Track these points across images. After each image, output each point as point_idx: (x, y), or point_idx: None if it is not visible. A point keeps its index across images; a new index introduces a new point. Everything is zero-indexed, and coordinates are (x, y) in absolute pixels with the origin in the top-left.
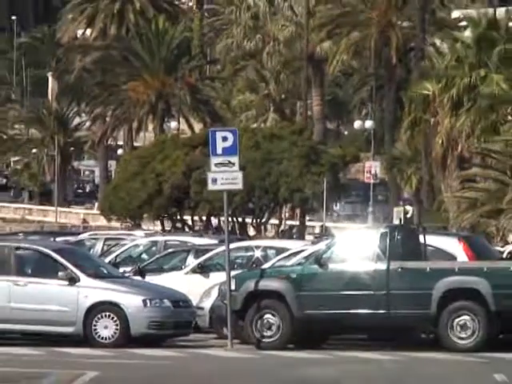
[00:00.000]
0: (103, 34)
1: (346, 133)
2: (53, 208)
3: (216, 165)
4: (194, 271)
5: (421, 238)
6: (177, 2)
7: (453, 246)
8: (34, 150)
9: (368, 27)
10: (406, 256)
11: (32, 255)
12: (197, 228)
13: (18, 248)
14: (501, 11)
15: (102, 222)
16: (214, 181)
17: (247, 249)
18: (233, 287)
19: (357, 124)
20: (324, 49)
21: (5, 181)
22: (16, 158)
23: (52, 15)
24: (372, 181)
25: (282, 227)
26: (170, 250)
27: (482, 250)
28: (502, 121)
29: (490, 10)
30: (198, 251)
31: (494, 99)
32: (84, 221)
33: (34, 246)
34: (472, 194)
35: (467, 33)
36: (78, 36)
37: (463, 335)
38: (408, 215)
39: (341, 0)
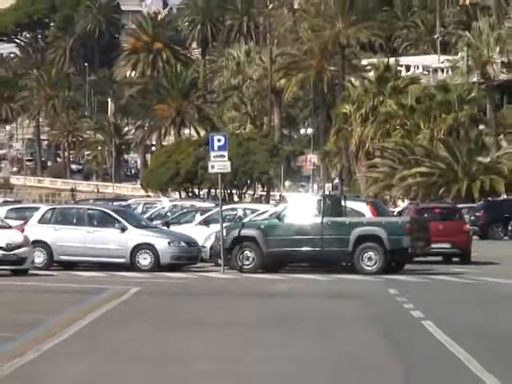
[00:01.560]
0: (142, 75)
1: (295, 136)
2: (111, 184)
3: (214, 157)
4: (199, 224)
5: (342, 202)
6: (189, 55)
7: (362, 207)
8: (99, 148)
9: (309, 70)
10: (334, 214)
11: (98, 213)
12: (201, 196)
13: (89, 209)
14: (392, 60)
15: (141, 192)
16: (213, 167)
17: (233, 209)
18: (224, 234)
19: (302, 131)
20: (281, 84)
21: (80, 167)
22: (88, 153)
23: (110, 62)
24: (312, 167)
25: (255, 196)
26: (184, 210)
27: (381, 210)
28: (393, 129)
29: (385, 59)
30: (202, 211)
31: (388, 115)
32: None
33: (99, 207)
34: (374, 175)
35: (371, 74)
36: (127, 75)
37: (369, 264)
38: (337, 189)
39: (291, 53)
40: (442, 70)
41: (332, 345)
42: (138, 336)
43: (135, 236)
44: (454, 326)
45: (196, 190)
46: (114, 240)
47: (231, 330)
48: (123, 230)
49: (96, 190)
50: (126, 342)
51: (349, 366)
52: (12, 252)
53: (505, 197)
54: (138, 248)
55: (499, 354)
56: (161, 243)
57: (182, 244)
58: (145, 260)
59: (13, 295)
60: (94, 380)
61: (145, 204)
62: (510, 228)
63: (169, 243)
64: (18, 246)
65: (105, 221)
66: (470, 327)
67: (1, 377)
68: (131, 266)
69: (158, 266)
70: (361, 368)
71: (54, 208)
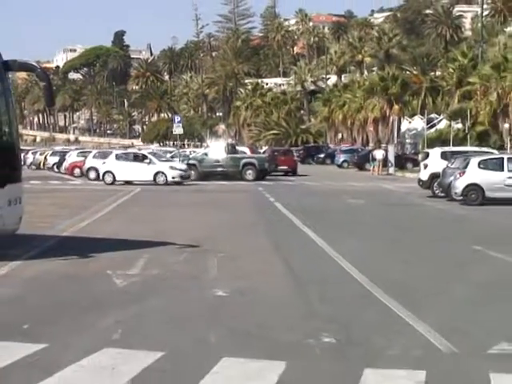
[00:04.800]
0: (141, 88)
1: (214, 116)
2: (127, 140)
3: (175, 126)
4: (169, 158)
5: (236, 147)
6: (163, 78)
7: (246, 150)
8: (120, 122)
9: (220, 85)
10: (232, 152)
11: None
12: (170, 145)
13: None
14: (259, 80)
15: (141, 144)
16: (175, 131)
17: (184, 151)
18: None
19: (218, 114)
20: (207, 91)
21: (111, 132)
22: (115, 125)
23: (126, 82)
24: (221, 131)
25: (194, 144)
26: (162, 151)
27: (255, 151)
28: (260, 113)
29: (256, 80)
30: (170, 152)
31: (258, 107)
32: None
33: (128, 151)
34: (251, 135)
35: (249, 87)
36: (133, 88)
37: (249, 176)
38: (233, 141)
39: (211, 77)
40: (283, 85)
41: (233, 212)
42: (140, 211)
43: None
44: (289, 205)
45: (167, 142)
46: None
47: (187, 207)
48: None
49: (131, 144)
50: (134, 214)
51: (241, 222)
52: (186, 173)
53: (312, 144)
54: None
55: (310, 218)
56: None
57: None
58: (161, 178)
59: (77, 193)
60: (120, 231)
61: (139, 149)
62: (315, 159)
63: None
64: (186, 170)
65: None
66: (297, 206)
67: (75, 231)
68: (154, 182)
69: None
70: (248, 222)
71: (99, 151)
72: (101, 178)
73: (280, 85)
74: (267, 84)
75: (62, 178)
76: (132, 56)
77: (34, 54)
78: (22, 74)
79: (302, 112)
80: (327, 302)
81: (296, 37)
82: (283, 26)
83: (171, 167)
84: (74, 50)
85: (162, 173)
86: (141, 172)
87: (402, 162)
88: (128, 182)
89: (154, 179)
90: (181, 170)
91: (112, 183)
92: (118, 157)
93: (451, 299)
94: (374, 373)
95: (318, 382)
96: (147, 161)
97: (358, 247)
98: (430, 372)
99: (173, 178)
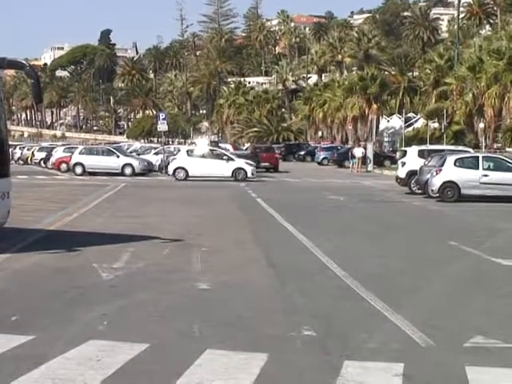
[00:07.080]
0: (126, 85)
1: (197, 114)
2: (112, 136)
3: (160, 123)
4: (154, 154)
5: (219, 144)
6: (148, 76)
7: (228, 146)
8: (106, 119)
9: (204, 83)
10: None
11: (106, 149)
12: (154, 142)
13: (103, 147)
14: (242, 79)
15: (126, 140)
16: (159, 127)
17: (169, 148)
18: (165, 159)
19: (201, 111)
20: (191, 89)
21: (98, 128)
22: (101, 121)
23: (111, 79)
24: (205, 128)
25: (179, 141)
26: (146, 148)
27: (237, 148)
28: (243, 110)
29: (239, 79)
30: (154, 148)
31: (240, 104)
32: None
33: (106, 147)
34: (234, 132)
35: (232, 85)
36: (119, 85)
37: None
38: (216, 139)
39: (195, 75)
40: (265, 84)
41: (215, 208)
42: (125, 206)
43: (123, 160)
44: (271, 201)
45: (152, 139)
46: (113, 161)
47: (169, 202)
48: (118, 157)
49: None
50: (119, 209)
51: (224, 217)
52: (256, 168)
53: (293, 142)
54: (124, 165)
55: (291, 213)
56: (135, 163)
57: (145, 163)
58: (128, 171)
59: (64, 188)
60: (107, 225)
61: (128, 145)
62: (296, 156)
63: (139, 162)
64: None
65: (110, 153)
66: (277, 201)
67: (64, 223)
68: (121, 173)
69: (134, 174)
70: (231, 217)
71: (85, 147)
72: (170, 173)
73: (262, 83)
74: (250, 83)
75: (48, 172)
76: (118, 54)
77: (22, 51)
78: (11, 71)
79: (283, 110)
80: (307, 296)
81: (278, 37)
82: (265, 27)
83: (248, 163)
84: (62, 48)
85: (242, 169)
86: (219, 168)
87: (381, 159)
88: (186, 178)
89: (233, 175)
90: (253, 165)
91: (184, 179)
92: (189, 153)
93: (428, 293)
94: (353, 365)
95: (298, 374)
96: (226, 157)
97: (338, 242)
98: (407, 364)
99: (252, 174)
